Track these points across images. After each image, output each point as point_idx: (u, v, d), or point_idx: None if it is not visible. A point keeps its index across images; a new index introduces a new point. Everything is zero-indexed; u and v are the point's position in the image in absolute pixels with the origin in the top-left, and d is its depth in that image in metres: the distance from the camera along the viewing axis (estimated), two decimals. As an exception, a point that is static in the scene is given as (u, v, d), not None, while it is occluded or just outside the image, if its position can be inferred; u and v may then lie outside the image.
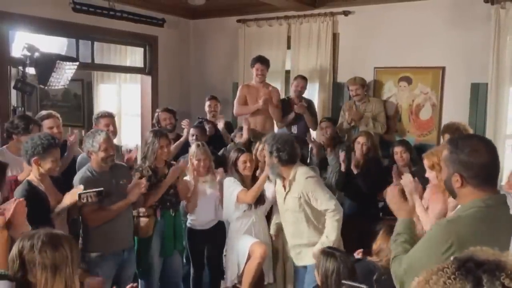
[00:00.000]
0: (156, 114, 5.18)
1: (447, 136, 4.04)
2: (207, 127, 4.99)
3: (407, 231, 1.99)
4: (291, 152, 3.42)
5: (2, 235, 1.81)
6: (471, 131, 4.08)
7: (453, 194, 1.87)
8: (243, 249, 3.74)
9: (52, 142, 3.00)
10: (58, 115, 4.04)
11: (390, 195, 2.13)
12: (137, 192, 3.39)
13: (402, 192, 2.16)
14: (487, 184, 1.80)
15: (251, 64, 5.38)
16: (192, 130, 4.70)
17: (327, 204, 3.36)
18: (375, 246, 2.85)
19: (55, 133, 3.75)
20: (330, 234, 3.35)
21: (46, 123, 3.87)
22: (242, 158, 3.85)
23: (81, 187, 3.09)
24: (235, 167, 3.89)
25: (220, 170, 4.03)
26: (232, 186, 3.80)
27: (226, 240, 4.29)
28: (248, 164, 3.85)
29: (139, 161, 4.02)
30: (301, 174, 3.43)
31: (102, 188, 3.12)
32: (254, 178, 3.88)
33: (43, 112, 4.07)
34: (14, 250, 1.71)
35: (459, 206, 1.88)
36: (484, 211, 1.76)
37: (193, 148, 4.02)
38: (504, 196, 1.87)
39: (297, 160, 3.51)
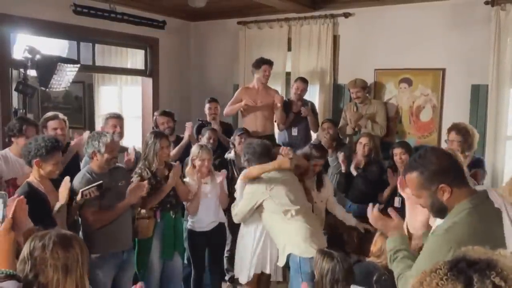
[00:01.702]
0: (154, 118, 5.10)
1: (453, 133, 4.02)
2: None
3: (403, 246, 1.98)
4: (253, 157, 3.68)
5: (9, 237, 1.78)
6: (476, 134, 4.06)
7: (443, 211, 1.86)
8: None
9: (56, 145, 3.00)
10: (65, 118, 4.02)
11: (372, 220, 2.13)
12: (138, 194, 3.38)
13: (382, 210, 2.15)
14: (464, 181, 1.86)
15: (257, 65, 5.30)
16: (208, 133, 4.68)
17: (240, 205, 3.66)
18: (375, 248, 2.85)
19: (59, 134, 3.77)
20: (238, 206, 3.72)
21: (51, 124, 3.88)
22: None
23: (68, 178, 3.10)
24: None
25: (223, 171, 4.05)
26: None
27: (227, 240, 4.30)
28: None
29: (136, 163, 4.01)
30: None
31: (101, 181, 3.15)
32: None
33: (49, 113, 4.05)
34: (25, 250, 1.69)
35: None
36: (473, 211, 1.79)
37: (197, 149, 3.99)
38: (486, 191, 1.88)
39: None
